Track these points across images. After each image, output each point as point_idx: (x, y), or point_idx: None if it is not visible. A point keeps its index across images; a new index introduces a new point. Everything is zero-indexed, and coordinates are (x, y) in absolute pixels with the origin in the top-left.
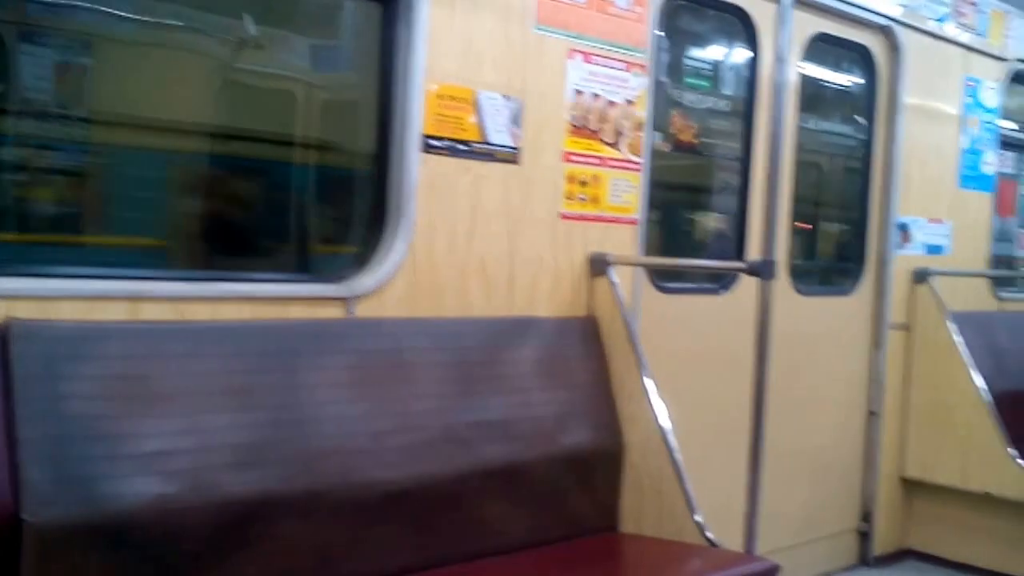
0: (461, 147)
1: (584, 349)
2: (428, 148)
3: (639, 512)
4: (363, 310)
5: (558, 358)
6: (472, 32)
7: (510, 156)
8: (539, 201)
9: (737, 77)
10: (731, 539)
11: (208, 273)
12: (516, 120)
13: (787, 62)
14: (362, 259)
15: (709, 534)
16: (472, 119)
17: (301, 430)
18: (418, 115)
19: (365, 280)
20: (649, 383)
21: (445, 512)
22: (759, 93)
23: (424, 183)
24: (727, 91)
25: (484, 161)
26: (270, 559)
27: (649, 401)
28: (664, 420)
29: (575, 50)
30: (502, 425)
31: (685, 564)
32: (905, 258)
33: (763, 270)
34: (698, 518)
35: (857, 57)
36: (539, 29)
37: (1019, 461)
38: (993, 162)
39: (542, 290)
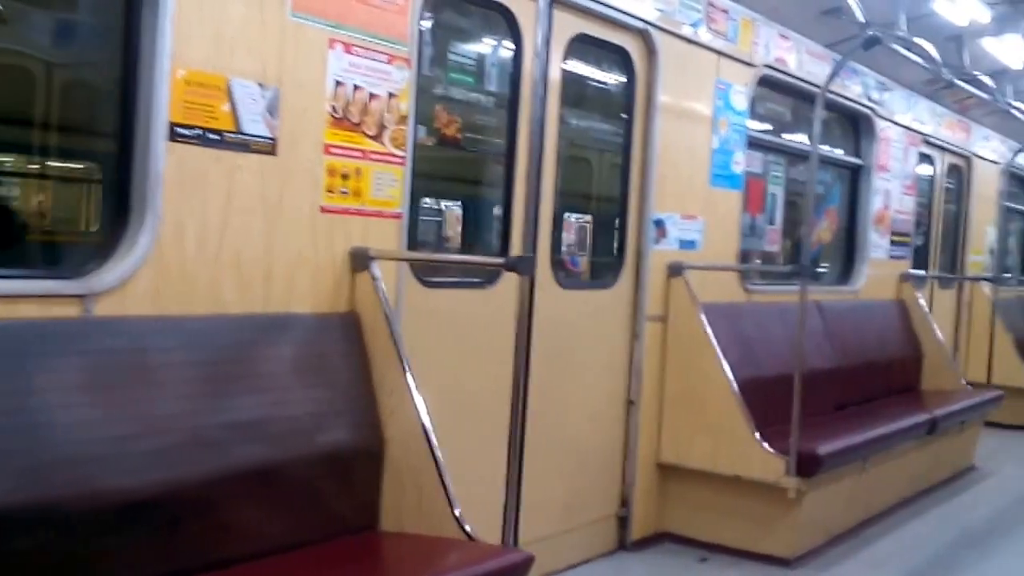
0: (213, 136)
1: (345, 346)
2: (176, 137)
3: (400, 509)
4: (103, 308)
5: (317, 355)
6: (223, 16)
7: (266, 147)
8: (298, 194)
9: (501, 73)
10: (493, 532)
11: None
12: (273, 110)
13: (549, 60)
14: (103, 254)
15: (468, 528)
16: (225, 108)
17: (31, 438)
18: (164, 102)
19: (105, 276)
20: (410, 379)
21: (194, 519)
22: (522, 90)
23: (172, 173)
24: (492, 87)
25: (238, 152)
26: None
27: (410, 397)
28: (425, 416)
29: (335, 40)
30: (256, 425)
31: (441, 559)
32: (661, 253)
33: (521, 266)
34: (457, 512)
35: (618, 58)
36: (296, 16)
37: (764, 445)
38: (742, 162)
39: (301, 286)
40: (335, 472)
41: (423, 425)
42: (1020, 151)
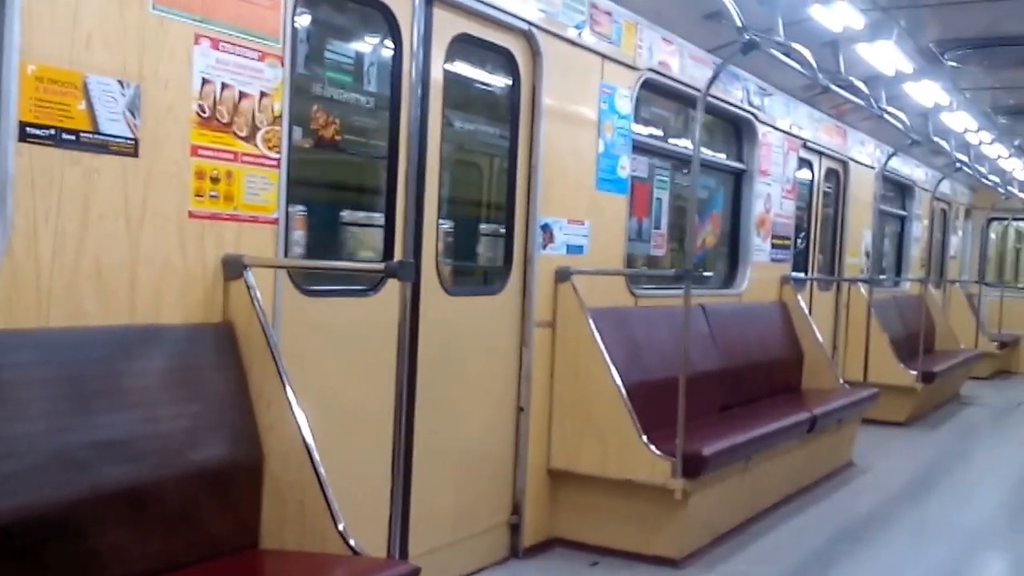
0: (68, 137)
1: (218, 358)
2: (26, 137)
3: (281, 526)
4: None
5: (189, 368)
6: (78, 9)
7: (127, 148)
8: (163, 198)
9: (382, 73)
10: (381, 545)
11: None
12: (134, 109)
13: (429, 60)
14: None
15: (352, 542)
16: (81, 106)
17: None
18: (13, 100)
19: None
20: (290, 391)
21: (57, 545)
22: (403, 90)
23: (23, 176)
24: (372, 87)
25: (97, 153)
26: None
27: (290, 409)
28: (305, 429)
29: (201, 35)
30: (123, 444)
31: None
32: (548, 258)
33: (401, 271)
34: (341, 527)
35: (502, 60)
36: (158, 9)
37: (651, 448)
38: (628, 166)
39: (170, 295)
40: (211, 490)
41: (304, 438)
42: (893, 155)
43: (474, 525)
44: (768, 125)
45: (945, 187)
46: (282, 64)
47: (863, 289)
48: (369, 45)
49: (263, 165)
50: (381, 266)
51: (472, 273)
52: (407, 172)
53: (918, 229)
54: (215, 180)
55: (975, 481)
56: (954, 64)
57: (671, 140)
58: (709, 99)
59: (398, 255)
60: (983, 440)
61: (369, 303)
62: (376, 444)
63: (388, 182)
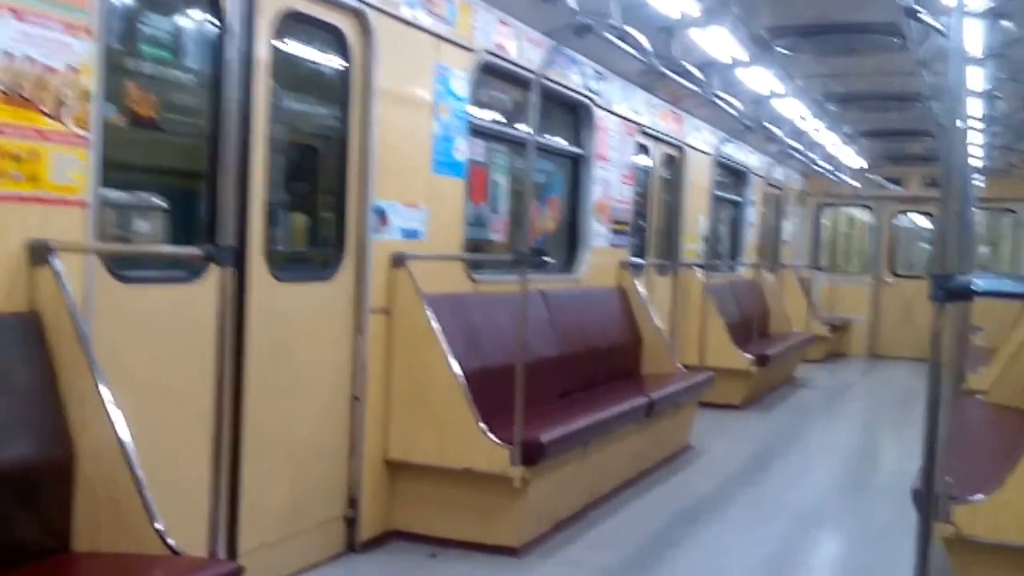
0: None
1: (23, 350)
2: None
3: (95, 527)
4: None
5: None
6: None
7: None
8: None
9: (205, 49)
10: (206, 544)
11: None
12: None
13: (254, 37)
14: None
15: (171, 541)
16: None
17: None
18: None
19: None
20: (103, 385)
21: None
22: (228, 68)
23: None
24: (193, 64)
25: None
26: None
27: (103, 405)
28: (121, 425)
29: (2, 5)
30: None
31: None
32: (383, 243)
33: (220, 256)
34: (159, 526)
35: (334, 39)
36: None
37: (490, 435)
38: (464, 149)
39: None
40: (16, 491)
41: (118, 435)
42: (727, 141)
43: (308, 520)
44: (605, 110)
45: (779, 173)
46: (91, 37)
47: (700, 274)
48: (191, 20)
49: (71, 144)
50: (198, 251)
51: (304, 259)
52: (230, 153)
53: (753, 215)
54: (17, 159)
55: (808, 461)
56: (785, 52)
57: (510, 124)
58: (546, 83)
59: (222, 240)
60: (816, 421)
61: (191, 290)
62: (200, 439)
63: (210, 164)
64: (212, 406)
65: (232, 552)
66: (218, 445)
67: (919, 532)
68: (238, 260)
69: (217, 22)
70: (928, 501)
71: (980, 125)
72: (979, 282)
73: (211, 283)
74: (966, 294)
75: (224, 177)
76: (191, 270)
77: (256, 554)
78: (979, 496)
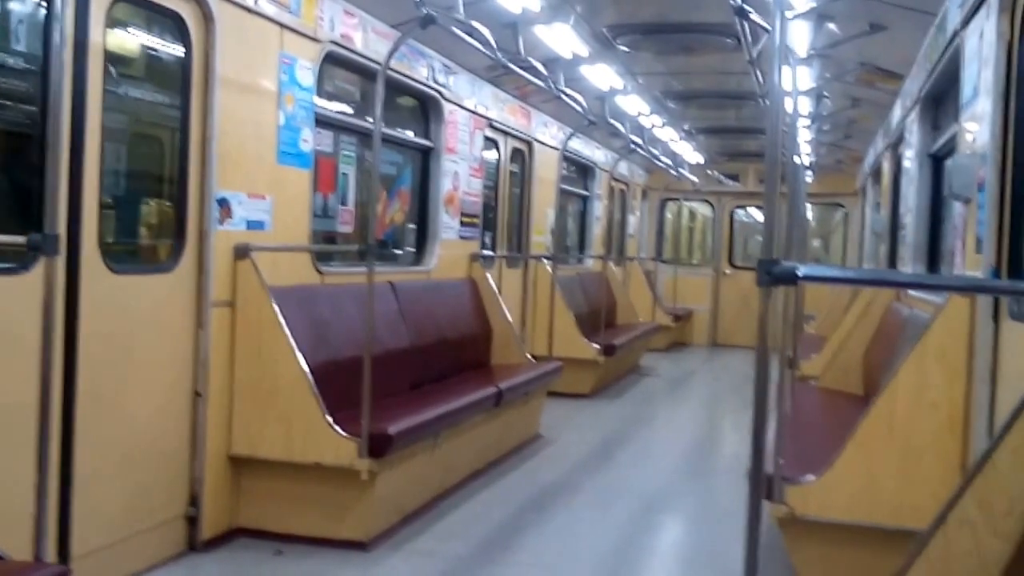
0: None
1: None
2: None
3: None
4: None
5: None
6: None
7: None
8: None
9: (37, 34)
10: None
11: None
12: None
13: (87, 21)
14: None
15: None
16: None
17: None
18: None
19: None
20: None
21: None
22: (54, 52)
23: None
24: (22, 47)
25: None
26: None
27: None
28: None
29: None
30: None
31: None
32: (227, 234)
33: (46, 245)
34: None
35: (174, 25)
36: None
37: (336, 428)
38: (310, 140)
39: None
40: None
41: None
42: (572, 136)
43: (147, 520)
44: (454, 103)
45: (623, 168)
46: None
47: (548, 266)
48: (20, 1)
49: None
50: (21, 240)
51: (142, 250)
52: (59, 140)
53: (599, 208)
54: None
55: (653, 446)
56: (626, 49)
57: (358, 115)
58: (395, 75)
59: (49, 229)
60: (660, 408)
61: (18, 283)
62: (31, 440)
63: (39, 152)
64: (37, 404)
65: (64, 555)
66: (42, 445)
67: (748, 512)
68: (71, 251)
69: (46, 4)
70: (756, 481)
71: (807, 122)
72: (803, 268)
73: (41, 275)
74: (790, 278)
75: (53, 165)
76: (20, 262)
77: (91, 557)
78: (810, 477)
